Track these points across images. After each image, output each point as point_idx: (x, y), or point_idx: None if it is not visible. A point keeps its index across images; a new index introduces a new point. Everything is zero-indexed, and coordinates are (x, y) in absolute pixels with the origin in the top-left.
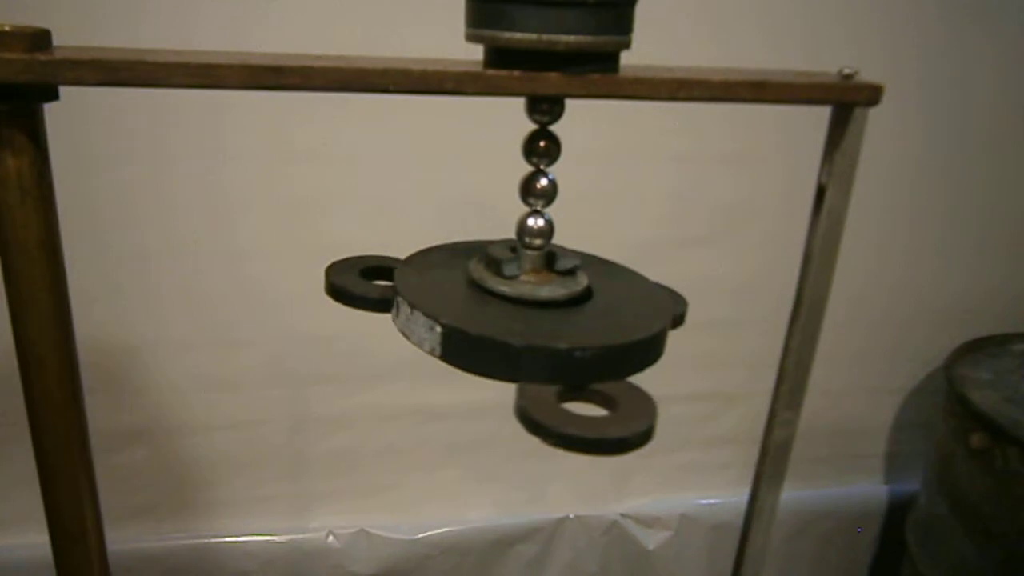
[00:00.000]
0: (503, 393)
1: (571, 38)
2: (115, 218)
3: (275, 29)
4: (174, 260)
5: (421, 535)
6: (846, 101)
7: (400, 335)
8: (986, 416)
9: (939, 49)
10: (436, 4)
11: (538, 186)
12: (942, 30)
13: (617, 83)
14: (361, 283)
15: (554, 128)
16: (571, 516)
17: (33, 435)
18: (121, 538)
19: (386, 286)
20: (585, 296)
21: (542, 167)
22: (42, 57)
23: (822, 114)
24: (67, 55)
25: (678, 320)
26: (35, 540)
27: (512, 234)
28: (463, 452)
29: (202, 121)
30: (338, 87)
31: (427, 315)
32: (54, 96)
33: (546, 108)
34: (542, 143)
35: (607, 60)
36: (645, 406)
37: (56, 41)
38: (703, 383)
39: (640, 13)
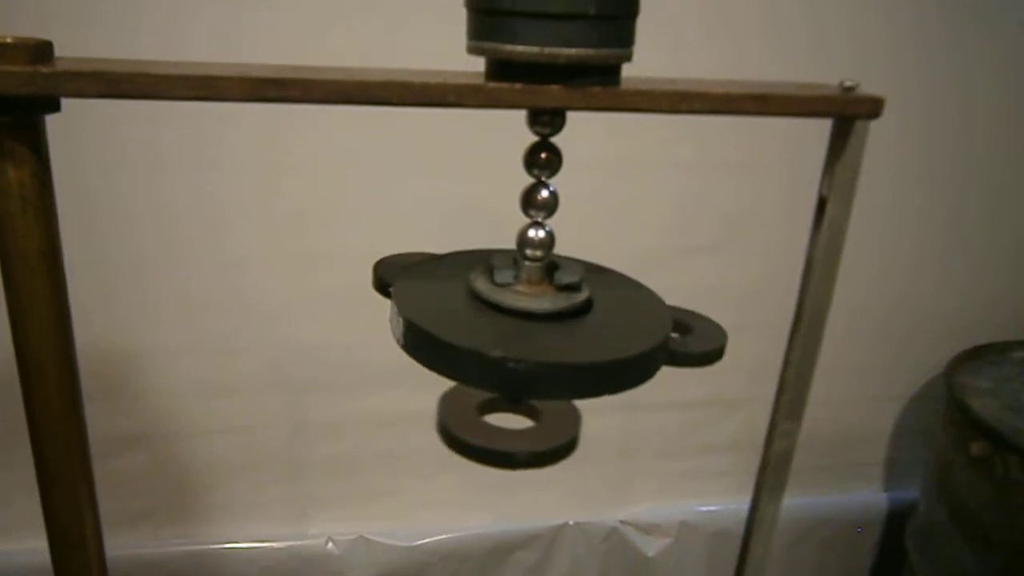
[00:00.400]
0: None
1: (572, 51)
2: (111, 226)
3: (275, 40)
4: (171, 267)
5: (420, 542)
6: (847, 114)
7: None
8: (986, 424)
9: (941, 60)
10: (438, 16)
11: (539, 198)
12: (944, 41)
13: (618, 96)
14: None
15: (557, 137)
16: (570, 523)
17: (33, 443)
18: (120, 544)
19: None
20: (573, 311)
21: (543, 179)
22: (44, 69)
23: (825, 123)
24: (69, 67)
25: (712, 355)
26: (35, 546)
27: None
28: (462, 458)
29: (198, 129)
30: (339, 99)
31: (398, 307)
32: (56, 108)
33: (547, 120)
34: (543, 155)
35: (608, 73)
36: (569, 419)
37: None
38: (704, 390)
39: (646, 26)
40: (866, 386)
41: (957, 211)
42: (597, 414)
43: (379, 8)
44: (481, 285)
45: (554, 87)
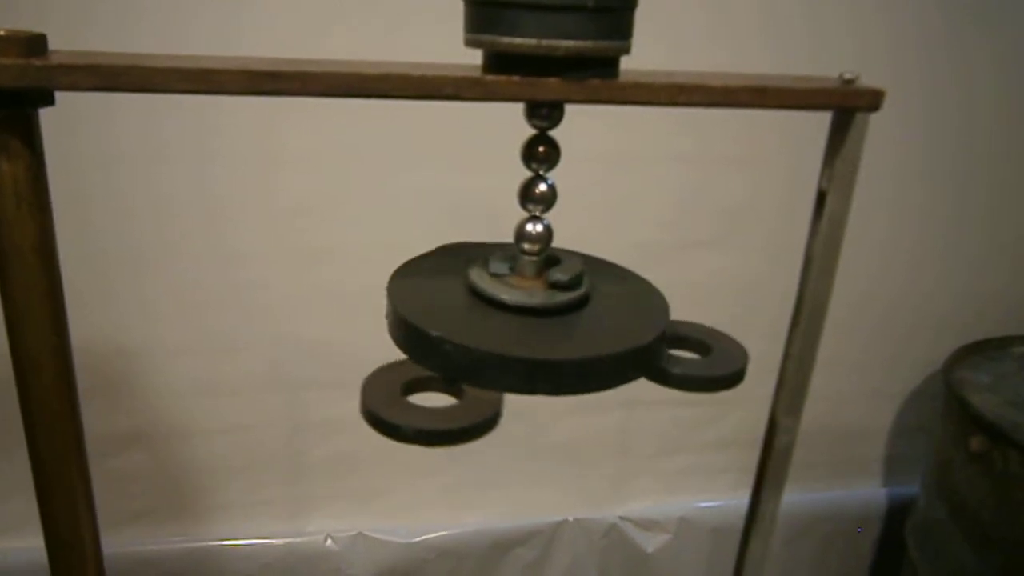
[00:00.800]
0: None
1: (570, 43)
2: (109, 221)
3: (274, 37)
4: (170, 264)
5: (419, 538)
6: (847, 106)
7: None
8: (985, 419)
9: (942, 56)
10: (435, 9)
11: (537, 191)
12: (945, 37)
13: (617, 88)
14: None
15: (559, 130)
16: (570, 519)
17: (29, 442)
18: (118, 542)
19: None
20: (562, 308)
21: (541, 172)
22: (38, 62)
23: (826, 117)
24: (63, 60)
25: (731, 378)
26: (32, 544)
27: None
28: (461, 455)
29: (196, 123)
30: (337, 92)
31: (388, 294)
32: (50, 101)
33: (545, 113)
34: (541, 148)
35: (607, 65)
36: (489, 403)
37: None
38: None
39: (647, 20)
40: (866, 382)
41: (957, 207)
42: (596, 411)
43: (378, 5)
44: (476, 278)
45: (552, 80)
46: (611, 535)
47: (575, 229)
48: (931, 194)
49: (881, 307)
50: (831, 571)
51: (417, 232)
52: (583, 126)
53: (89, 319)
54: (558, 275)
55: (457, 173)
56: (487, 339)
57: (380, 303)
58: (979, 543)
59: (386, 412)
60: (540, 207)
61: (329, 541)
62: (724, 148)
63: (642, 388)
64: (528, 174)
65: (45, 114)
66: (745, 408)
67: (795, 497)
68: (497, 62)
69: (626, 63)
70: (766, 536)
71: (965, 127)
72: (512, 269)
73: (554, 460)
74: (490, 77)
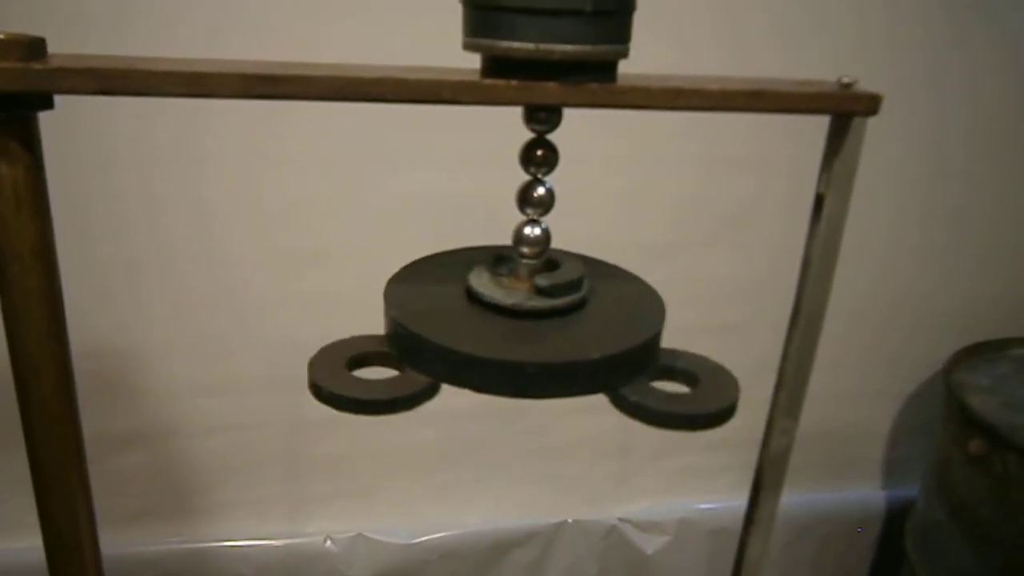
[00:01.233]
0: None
1: (568, 47)
2: (104, 223)
3: (271, 38)
4: (165, 266)
5: (418, 539)
6: (844, 111)
7: None
8: (985, 421)
9: (947, 56)
10: (433, 12)
11: (535, 195)
12: (950, 37)
13: (615, 92)
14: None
15: (564, 131)
16: (569, 520)
17: (28, 444)
18: (117, 543)
19: None
20: (541, 312)
21: (539, 176)
22: (37, 66)
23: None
24: (62, 64)
25: (713, 417)
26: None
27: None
28: (460, 456)
29: (190, 126)
30: (333, 96)
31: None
32: (49, 105)
33: (544, 117)
34: (539, 152)
35: (605, 69)
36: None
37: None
38: None
39: (653, 24)
40: (865, 383)
41: (959, 209)
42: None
43: (375, 9)
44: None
45: (550, 84)
46: (611, 536)
47: (580, 230)
48: (932, 196)
49: (881, 309)
50: (830, 572)
51: (413, 235)
52: (588, 128)
53: (86, 321)
54: (543, 280)
55: (454, 176)
56: (446, 332)
57: (376, 304)
58: (978, 544)
59: (328, 383)
60: (538, 211)
61: (328, 542)
62: (730, 149)
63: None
64: (526, 178)
65: (41, 118)
66: (746, 409)
67: (794, 498)
68: (495, 66)
69: (632, 66)
70: (764, 538)
71: (967, 130)
72: (511, 271)
73: (554, 461)
74: (488, 81)
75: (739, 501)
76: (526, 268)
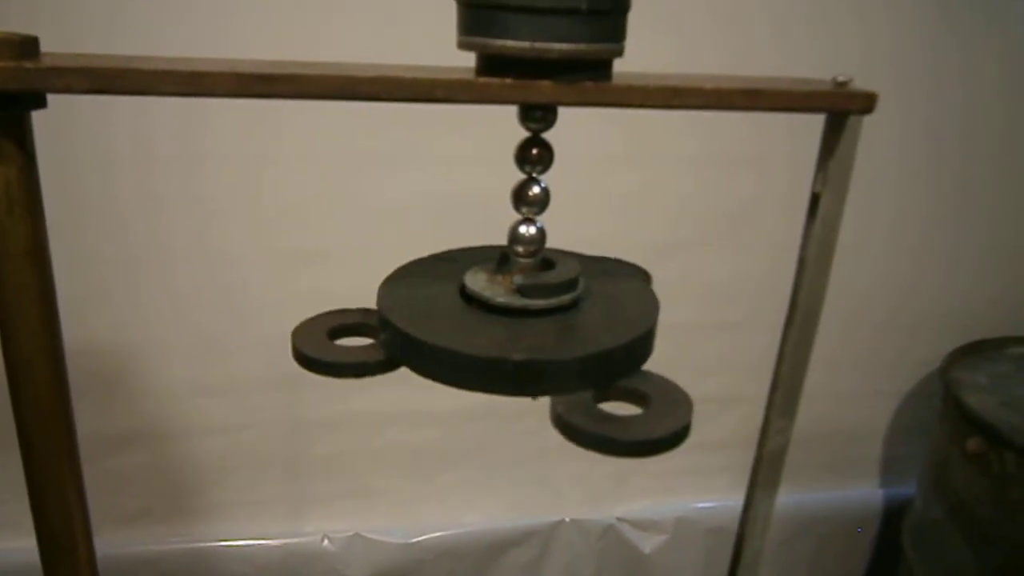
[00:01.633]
0: (497, 398)
1: (563, 46)
2: (101, 223)
3: (266, 37)
4: (164, 265)
5: (416, 539)
6: (840, 109)
7: None
8: (982, 420)
9: (947, 56)
10: (427, 11)
11: (530, 194)
12: (950, 37)
13: (610, 91)
14: None
15: (559, 130)
16: (567, 520)
17: (21, 444)
18: (115, 542)
19: None
20: (512, 309)
21: (534, 175)
22: (30, 65)
23: None
24: (55, 63)
25: (656, 444)
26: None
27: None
28: (458, 456)
29: (188, 125)
30: (328, 95)
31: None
32: (42, 104)
33: (539, 116)
34: (534, 151)
35: (600, 68)
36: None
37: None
38: (703, 385)
39: (653, 23)
40: (862, 382)
41: (959, 209)
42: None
43: (370, 8)
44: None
45: (545, 82)
46: (608, 535)
47: (577, 230)
48: (932, 196)
49: (880, 308)
50: (828, 571)
51: (410, 233)
52: (585, 127)
53: (84, 320)
54: (520, 279)
55: (450, 175)
56: (424, 325)
57: (373, 303)
58: (976, 543)
59: (309, 349)
60: (533, 210)
61: (326, 541)
62: (730, 148)
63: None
64: (521, 176)
65: (35, 116)
66: (744, 408)
67: (792, 497)
68: (490, 65)
69: (629, 65)
70: (761, 536)
71: (967, 129)
72: (501, 271)
73: (551, 461)
74: (482, 80)
75: (736, 500)
76: (521, 267)
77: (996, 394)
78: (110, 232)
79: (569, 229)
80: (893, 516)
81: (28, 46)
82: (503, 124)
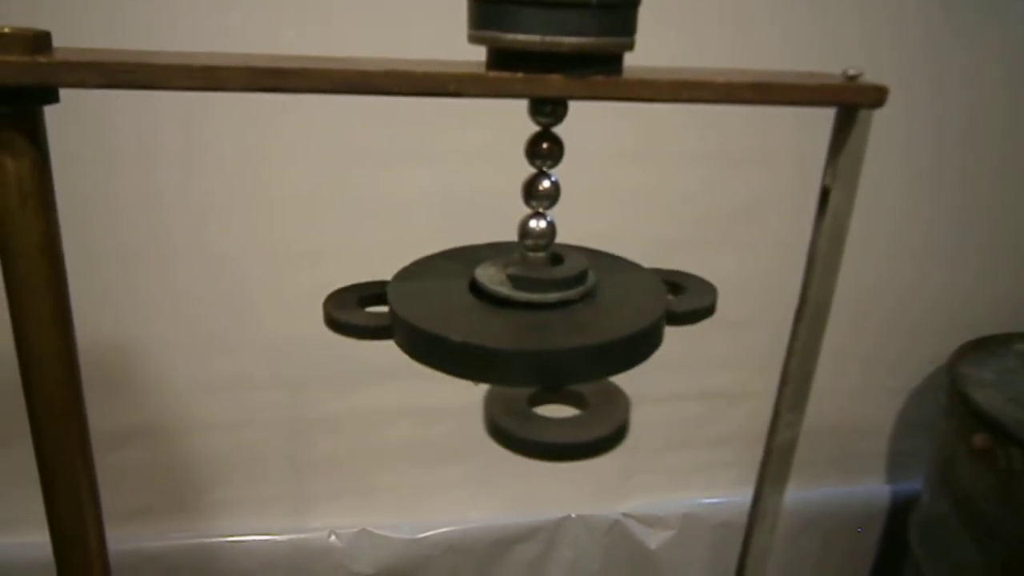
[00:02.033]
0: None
1: (574, 40)
2: (104, 219)
3: (275, 32)
4: (166, 262)
5: (422, 535)
6: (850, 103)
7: None
8: (989, 416)
9: (952, 52)
10: (438, 5)
11: (540, 188)
12: (955, 33)
13: (620, 85)
14: None
15: (569, 125)
16: (573, 515)
17: (34, 439)
18: (122, 537)
19: None
20: (508, 300)
21: (545, 169)
22: (42, 59)
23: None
24: (68, 57)
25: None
26: (37, 539)
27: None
28: (464, 451)
29: (190, 121)
30: (340, 89)
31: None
32: (54, 99)
33: (549, 110)
34: (545, 145)
35: (610, 62)
36: None
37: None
38: (710, 382)
39: (661, 17)
40: (869, 378)
41: (965, 204)
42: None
43: (381, 2)
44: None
45: (555, 76)
46: (614, 531)
47: (586, 225)
48: (939, 192)
49: (887, 305)
50: (835, 567)
51: (416, 230)
52: (596, 123)
53: (85, 316)
54: (514, 271)
55: (459, 170)
56: (426, 313)
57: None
58: (982, 538)
59: (340, 315)
60: (544, 204)
61: (332, 537)
62: (737, 145)
63: (645, 383)
64: (532, 170)
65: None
66: (750, 404)
67: (799, 493)
68: (500, 59)
69: (639, 59)
70: (769, 532)
71: (973, 126)
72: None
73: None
74: (493, 74)
75: (743, 496)
76: (530, 261)
77: (1003, 390)
78: (111, 228)
79: (577, 224)
80: (899, 512)
81: (41, 41)
82: (511, 119)
